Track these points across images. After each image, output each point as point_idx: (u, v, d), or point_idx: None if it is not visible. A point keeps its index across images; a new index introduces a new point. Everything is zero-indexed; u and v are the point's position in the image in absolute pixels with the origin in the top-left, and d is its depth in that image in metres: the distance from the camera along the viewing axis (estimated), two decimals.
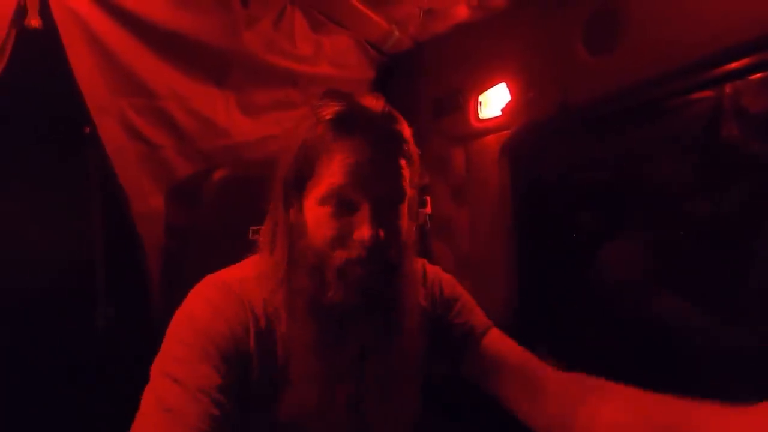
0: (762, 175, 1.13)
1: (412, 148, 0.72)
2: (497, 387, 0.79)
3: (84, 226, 1.44)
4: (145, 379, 0.64)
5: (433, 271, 0.89)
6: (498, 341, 0.83)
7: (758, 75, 1.03)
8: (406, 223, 0.72)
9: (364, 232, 0.64)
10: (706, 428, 0.57)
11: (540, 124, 1.27)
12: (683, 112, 1.23)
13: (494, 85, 1.36)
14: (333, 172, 0.65)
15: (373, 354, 0.71)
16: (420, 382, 0.81)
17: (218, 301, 0.69)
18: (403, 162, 0.69)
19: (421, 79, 1.58)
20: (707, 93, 1.19)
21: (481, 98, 1.41)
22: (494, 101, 1.37)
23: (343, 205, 0.66)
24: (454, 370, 0.84)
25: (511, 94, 1.31)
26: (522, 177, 1.38)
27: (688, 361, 1.13)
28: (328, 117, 0.67)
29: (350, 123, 0.66)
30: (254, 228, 0.79)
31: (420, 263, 0.87)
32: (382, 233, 0.65)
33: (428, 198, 1.54)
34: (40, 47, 0.96)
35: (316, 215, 0.68)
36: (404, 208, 0.71)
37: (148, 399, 0.62)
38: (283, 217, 0.72)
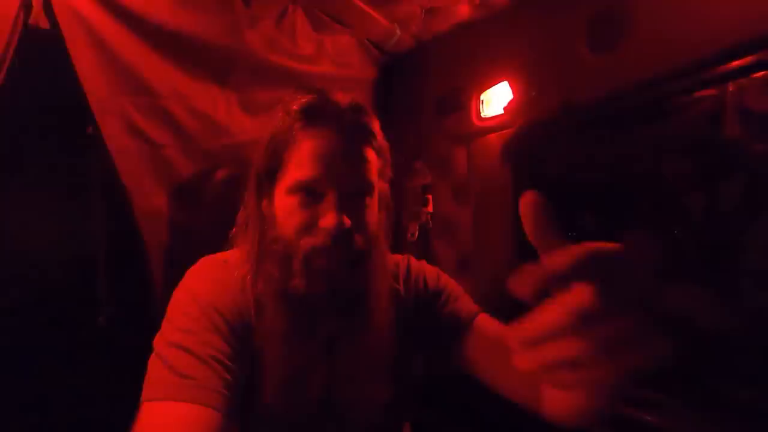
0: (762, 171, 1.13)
1: (381, 141, 0.74)
2: (491, 372, 0.77)
3: (87, 226, 1.45)
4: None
5: (417, 265, 0.88)
6: (487, 326, 0.81)
7: (761, 73, 1.03)
8: (375, 215, 0.73)
9: (329, 219, 0.65)
10: None
11: (542, 123, 1.27)
12: (686, 111, 1.22)
13: (496, 84, 1.36)
14: (299, 162, 0.67)
15: (341, 343, 0.72)
16: (393, 371, 0.79)
17: (218, 276, 0.71)
18: (370, 153, 0.71)
19: (423, 78, 1.58)
20: (710, 91, 1.19)
21: (483, 97, 1.40)
22: (496, 100, 1.37)
23: (309, 194, 0.67)
24: (446, 362, 0.83)
25: (513, 93, 1.31)
26: (524, 176, 1.38)
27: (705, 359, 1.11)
28: (295, 108, 0.69)
29: (317, 114, 0.68)
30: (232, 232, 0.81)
31: (405, 258, 0.88)
32: (347, 221, 0.66)
33: (430, 197, 1.54)
34: (43, 47, 0.96)
35: (284, 205, 0.69)
36: (372, 200, 0.72)
37: (158, 369, 0.62)
38: (255, 209, 0.74)
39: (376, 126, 0.73)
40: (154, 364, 0.63)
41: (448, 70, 1.50)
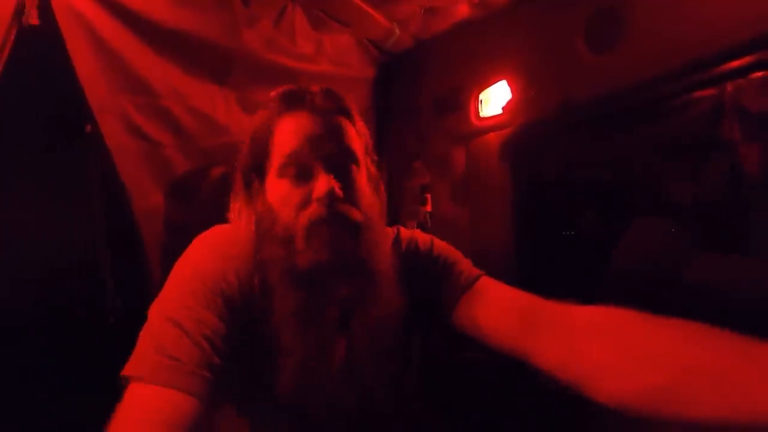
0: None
1: (359, 122, 0.77)
2: (495, 332, 0.75)
3: (86, 224, 1.44)
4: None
5: (408, 233, 0.89)
6: (490, 287, 0.80)
7: (760, 73, 1.03)
8: (366, 187, 0.74)
9: (320, 187, 0.67)
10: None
11: (541, 123, 1.27)
12: (684, 111, 1.22)
13: (495, 83, 1.36)
14: (284, 141, 0.70)
15: (356, 311, 0.72)
16: (402, 340, 0.79)
17: (226, 249, 0.70)
18: (350, 129, 0.74)
19: (422, 78, 1.58)
20: (709, 91, 1.19)
21: (482, 96, 1.41)
22: (495, 99, 1.37)
23: (299, 171, 0.69)
24: (447, 328, 0.82)
25: (512, 92, 1.31)
26: (522, 175, 1.38)
27: None
28: (274, 96, 0.74)
29: (295, 98, 0.72)
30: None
31: (394, 228, 0.88)
32: (338, 188, 0.67)
33: (428, 196, 1.54)
34: (42, 45, 0.96)
35: (277, 189, 0.71)
36: (360, 172, 0.74)
37: (146, 342, 0.61)
38: (246, 203, 0.75)
39: (353, 108, 0.76)
40: (143, 336, 0.61)
41: (447, 70, 1.51)
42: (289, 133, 0.70)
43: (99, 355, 1.38)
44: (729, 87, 1.16)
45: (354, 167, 0.72)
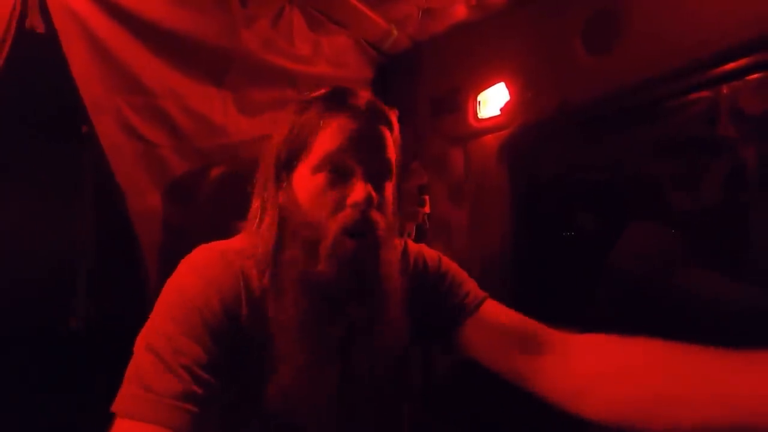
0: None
1: (397, 134, 0.76)
2: (497, 357, 0.76)
3: (76, 227, 1.42)
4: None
5: (416, 248, 0.87)
6: (494, 311, 0.80)
7: (755, 76, 1.03)
8: (392, 203, 0.73)
9: (358, 192, 0.65)
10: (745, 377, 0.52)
11: (538, 124, 1.27)
12: (681, 113, 1.23)
13: (493, 85, 1.36)
14: (327, 139, 0.68)
15: (360, 334, 0.70)
16: (404, 363, 0.80)
17: (212, 273, 0.67)
18: (391, 139, 0.73)
19: (420, 79, 1.59)
20: (705, 93, 1.19)
21: (479, 98, 1.41)
22: (493, 101, 1.37)
23: (337, 171, 0.67)
24: (448, 348, 0.81)
25: (509, 94, 1.31)
26: (520, 176, 1.38)
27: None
28: (319, 95, 0.72)
29: (341, 98, 0.70)
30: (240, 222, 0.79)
31: (401, 241, 0.86)
32: (375, 196, 0.66)
33: (427, 197, 1.54)
34: (38, 45, 0.95)
35: (309, 186, 0.68)
36: (392, 185, 0.73)
37: (130, 374, 0.60)
38: (273, 196, 0.72)
39: (394, 119, 0.76)
40: (129, 368, 0.60)
41: (445, 71, 1.51)
42: (332, 132, 0.68)
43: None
44: (725, 89, 1.17)
45: (388, 180, 0.72)
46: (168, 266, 0.72)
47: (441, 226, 1.51)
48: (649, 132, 1.31)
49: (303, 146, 0.69)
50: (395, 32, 1.52)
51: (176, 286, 0.66)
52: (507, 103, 1.31)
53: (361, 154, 0.67)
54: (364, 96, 0.72)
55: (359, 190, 0.65)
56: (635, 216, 1.35)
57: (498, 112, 1.34)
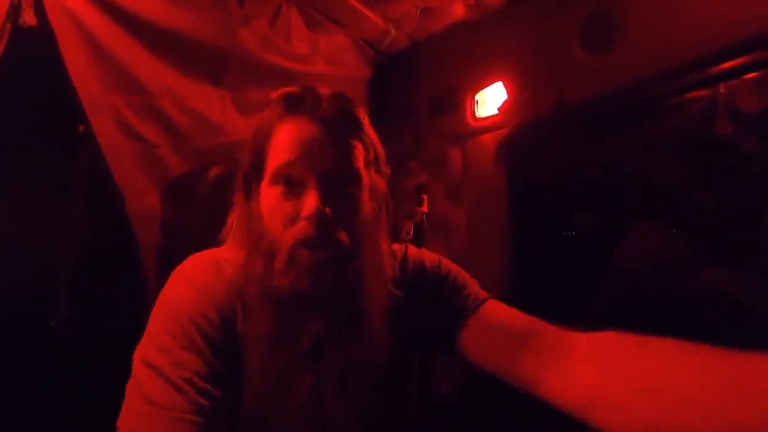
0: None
1: (370, 133, 0.72)
2: (497, 360, 0.72)
3: (69, 228, 1.40)
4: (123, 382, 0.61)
5: (416, 252, 0.85)
6: (496, 311, 0.76)
7: (752, 74, 1.04)
8: (363, 208, 0.69)
9: (308, 206, 0.62)
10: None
11: (536, 123, 1.28)
12: (678, 111, 1.23)
13: (491, 84, 1.36)
14: (280, 149, 0.66)
15: (329, 347, 0.67)
16: (387, 376, 0.75)
17: (205, 282, 0.66)
18: (354, 141, 0.68)
19: (418, 78, 1.58)
20: (702, 92, 1.20)
21: (477, 97, 1.41)
22: (491, 100, 1.37)
23: (291, 183, 0.65)
24: (450, 351, 0.78)
25: (507, 93, 1.31)
26: (518, 176, 1.38)
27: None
28: (276, 97, 0.69)
29: (297, 103, 0.67)
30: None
31: (402, 247, 0.85)
32: (329, 210, 0.62)
33: (425, 196, 1.54)
34: (35, 44, 0.95)
35: (268, 198, 0.67)
36: (360, 191, 0.68)
37: (131, 390, 0.59)
38: (244, 206, 0.72)
39: (361, 116, 0.71)
40: (130, 385, 0.60)
41: (443, 70, 1.51)
42: (285, 140, 0.66)
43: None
44: (723, 88, 1.17)
45: (351, 185, 0.67)
46: (166, 266, 0.72)
47: (439, 225, 1.51)
48: (647, 131, 1.31)
49: (263, 156, 0.68)
50: (393, 31, 1.52)
51: (169, 299, 0.66)
52: (505, 102, 1.32)
53: (314, 162, 0.64)
54: (319, 96, 0.68)
55: (309, 202, 0.62)
56: (633, 215, 1.35)
57: (496, 112, 1.34)
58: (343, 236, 0.65)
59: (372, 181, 0.72)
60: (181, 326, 0.62)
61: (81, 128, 1.07)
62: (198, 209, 1.15)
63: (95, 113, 1.05)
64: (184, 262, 0.71)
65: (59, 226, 1.41)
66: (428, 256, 0.85)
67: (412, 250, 0.86)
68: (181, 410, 0.56)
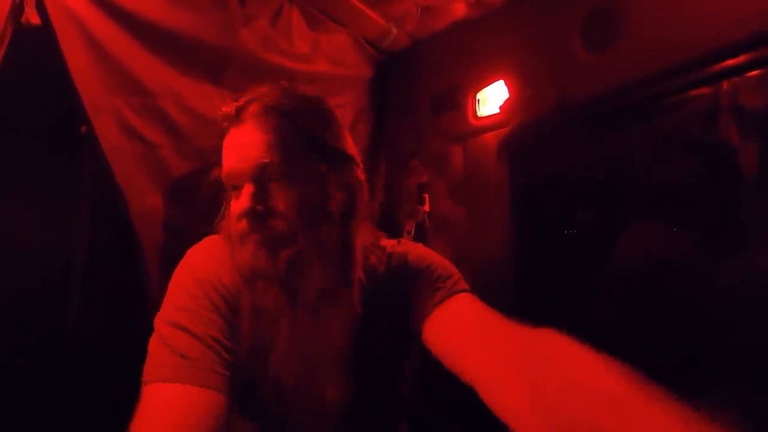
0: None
1: (317, 122, 0.75)
2: (450, 351, 0.72)
3: (73, 230, 1.41)
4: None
5: (405, 247, 0.88)
6: (463, 304, 0.76)
7: (756, 72, 1.03)
8: (299, 197, 0.71)
9: (239, 207, 0.70)
10: None
11: (538, 122, 1.27)
12: (681, 109, 1.23)
13: (492, 83, 1.36)
14: (224, 159, 0.75)
15: (285, 326, 0.73)
16: (383, 360, 0.81)
17: (220, 254, 0.75)
18: (289, 134, 0.71)
19: (419, 77, 1.58)
20: (705, 90, 1.19)
21: (479, 96, 1.41)
22: (492, 99, 1.37)
23: (235, 187, 0.73)
24: (418, 343, 0.79)
25: (509, 92, 1.31)
26: (520, 174, 1.38)
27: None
28: (224, 112, 0.76)
29: (238, 113, 0.74)
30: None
31: (393, 242, 0.89)
32: (259, 206, 0.69)
33: (426, 195, 1.54)
34: (36, 45, 0.95)
35: (228, 198, 0.77)
36: (292, 183, 0.71)
37: (158, 348, 0.63)
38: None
39: (309, 108, 0.76)
40: (154, 344, 0.64)
41: (444, 69, 1.50)
42: (225, 150, 0.74)
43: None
44: (725, 86, 1.16)
45: (282, 182, 0.70)
46: (169, 266, 0.75)
47: (441, 224, 1.51)
48: (648, 129, 1.31)
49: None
50: (394, 30, 1.52)
51: (188, 269, 0.73)
52: (506, 101, 1.31)
53: (246, 165, 0.70)
54: (256, 99, 0.75)
55: (241, 203, 0.70)
56: (635, 213, 1.35)
57: (497, 110, 1.34)
58: (278, 224, 0.70)
59: (341, 170, 0.76)
60: (202, 290, 0.69)
61: (83, 129, 1.07)
62: (200, 209, 1.16)
63: (97, 114, 1.05)
64: (201, 241, 0.79)
65: (63, 227, 1.42)
66: (415, 250, 0.88)
67: (404, 244, 0.89)
68: (213, 363, 0.62)
